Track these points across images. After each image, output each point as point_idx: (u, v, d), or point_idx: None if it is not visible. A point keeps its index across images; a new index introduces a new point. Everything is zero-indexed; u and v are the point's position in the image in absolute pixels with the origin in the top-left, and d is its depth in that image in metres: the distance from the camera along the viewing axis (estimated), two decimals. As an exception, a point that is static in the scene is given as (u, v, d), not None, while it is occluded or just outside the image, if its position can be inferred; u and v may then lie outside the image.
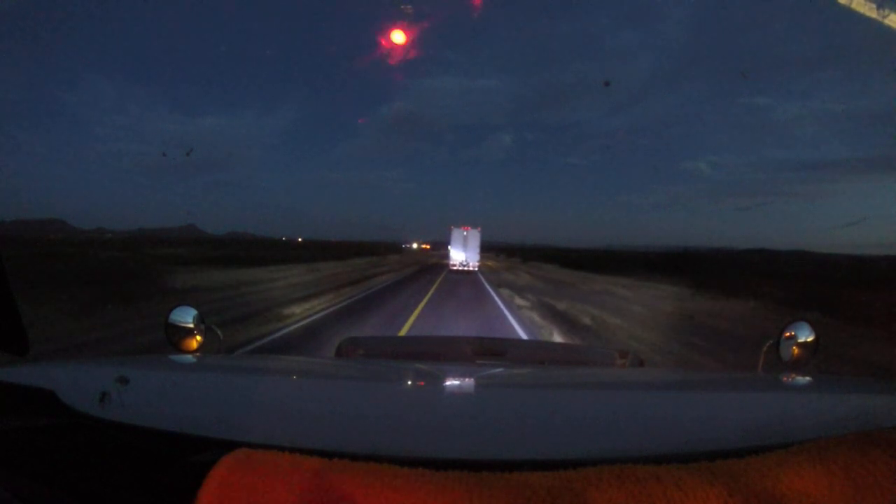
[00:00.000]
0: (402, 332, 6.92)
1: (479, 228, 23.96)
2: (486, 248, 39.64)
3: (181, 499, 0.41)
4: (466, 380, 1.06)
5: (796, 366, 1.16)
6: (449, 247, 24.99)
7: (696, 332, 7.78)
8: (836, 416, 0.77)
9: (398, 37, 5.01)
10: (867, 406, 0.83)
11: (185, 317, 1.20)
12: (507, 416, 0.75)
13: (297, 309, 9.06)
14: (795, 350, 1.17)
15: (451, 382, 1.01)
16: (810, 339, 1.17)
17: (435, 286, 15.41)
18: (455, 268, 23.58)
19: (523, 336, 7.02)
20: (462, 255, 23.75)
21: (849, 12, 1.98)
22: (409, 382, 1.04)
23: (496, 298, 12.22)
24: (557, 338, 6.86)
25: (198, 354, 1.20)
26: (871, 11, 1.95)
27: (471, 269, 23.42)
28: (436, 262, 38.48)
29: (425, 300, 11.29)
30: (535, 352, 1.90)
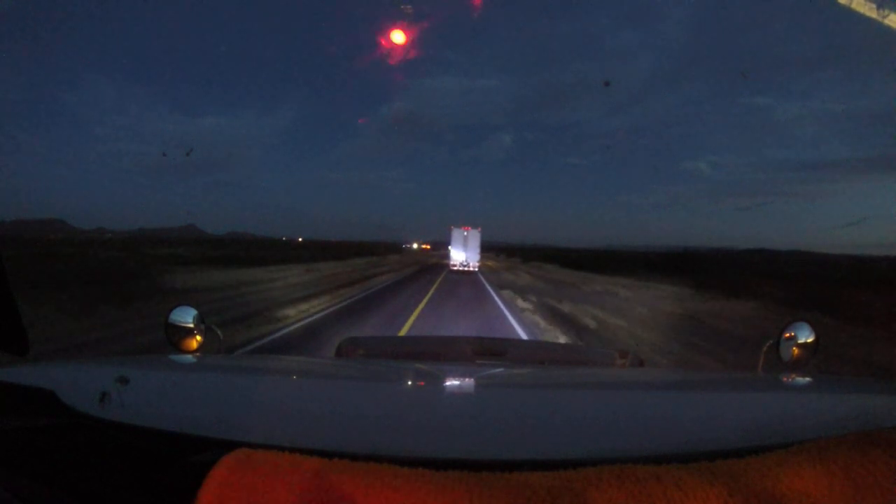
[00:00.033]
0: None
1: (480, 228, 24.00)
2: (486, 248, 39.60)
3: (181, 499, 0.41)
4: (466, 380, 1.06)
5: (796, 366, 1.16)
6: (449, 247, 25.00)
7: (698, 332, 7.71)
8: (836, 416, 0.77)
9: (398, 37, 5.02)
10: (867, 406, 0.83)
11: (185, 317, 1.20)
12: (507, 416, 0.75)
13: (291, 311, 8.92)
14: (795, 350, 1.17)
15: (451, 382, 1.01)
16: (810, 339, 1.18)
17: (434, 287, 15.21)
18: (455, 268, 23.61)
19: None
20: (462, 256, 23.76)
21: (849, 12, 1.98)
22: (409, 382, 1.04)
23: (497, 300, 11.88)
24: (562, 341, 6.83)
25: (198, 354, 1.20)
26: (871, 11, 1.95)
27: (471, 269, 23.42)
28: (436, 262, 38.33)
29: (424, 302, 11.03)
30: (535, 352, 1.90)
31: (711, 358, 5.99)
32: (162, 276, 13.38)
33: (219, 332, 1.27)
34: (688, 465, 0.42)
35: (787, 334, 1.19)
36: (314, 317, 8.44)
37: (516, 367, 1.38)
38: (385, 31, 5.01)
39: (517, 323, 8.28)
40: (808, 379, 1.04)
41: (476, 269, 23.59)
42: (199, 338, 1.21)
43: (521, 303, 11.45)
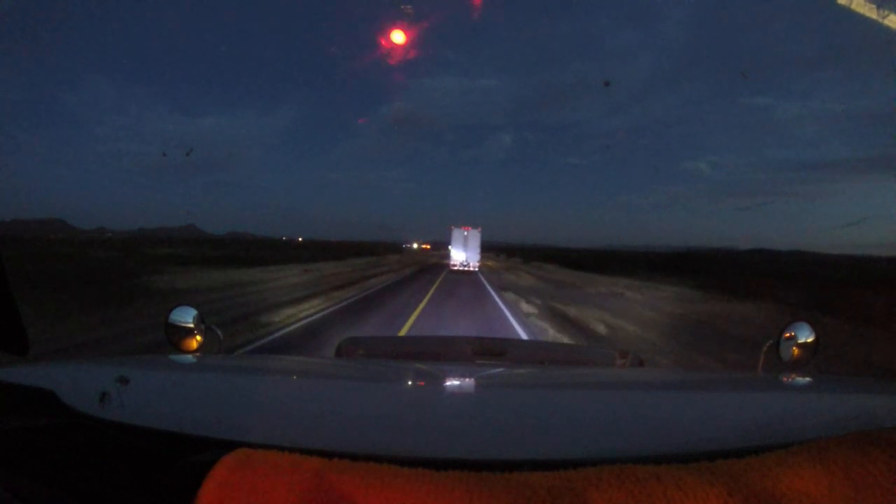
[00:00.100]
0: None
1: (480, 229, 24.02)
2: (486, 248, 39.55)
3: (181, 499, 0.41)
4: (466, 380, 1.06)
5: (796, 366, 1.17)
6: (449, 247, 25.02)
7: (715, 338, 7.24)
8: (836, 416, 0.77)
9: (398, 37, 5.02)
10: (867, 406, 0.83)
11: (185, 317, 1.20)
12: (507, 416, 0.75)
13: (280, 315, 8.39)
14: (795, 350, 1.17)
15: (451, 382, 1.01)
16: (810, 339, 1.18)
17: (433, 288, 14.85)
18: (455, 268, 23.64)
19: None
20: (462, 255, 23.79)
21: (849, 12, 1.98)
22: (409, 382, 1.04)
23: (501, 304, 11.21)
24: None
25: (198, 354, 1.20)
26: (871, 12, 1.95)
27: (471, 269, 23.45)
28: (436, 262, 38.06)
29: (422, 305, 10.43)
30: (535, 352, 1.90)
31: (739, 370, 5.68)
32: (152, 276, 13.09)
33: (219, 332, 1.27)
34: (688, 465, 0.42)
35: (787, 334, 1.19)
36: (302, 322, 7.90)
37: (516, 367, 1.38)
38: (385, 31, 5.02)
39: (524, 331, 7.69)
40: (808, 379, 1.04)
41: (476, 269, 23.61)
42: (199, 338, 1.21)
43: (525, 306, 10.92)
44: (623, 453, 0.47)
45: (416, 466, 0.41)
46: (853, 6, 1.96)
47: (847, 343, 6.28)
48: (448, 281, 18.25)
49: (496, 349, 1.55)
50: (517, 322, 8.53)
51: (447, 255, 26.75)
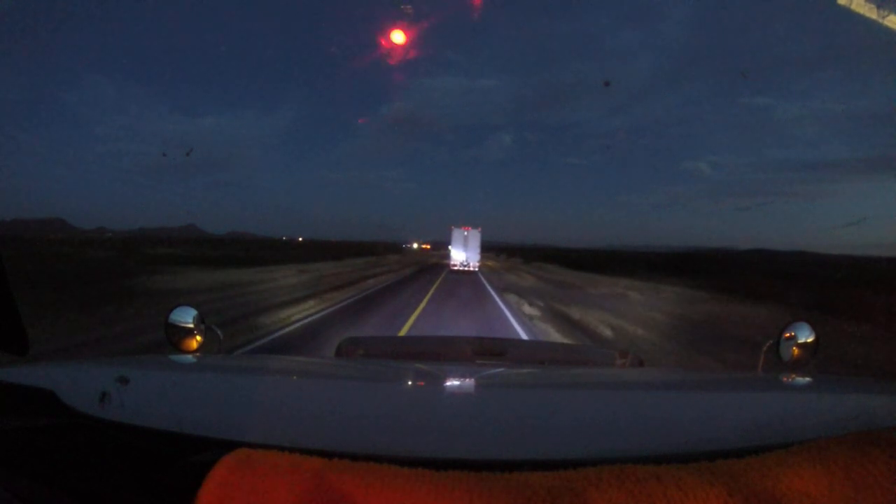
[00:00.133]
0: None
1: (480, 229, 24.05)
2: (486, 248, 39.50)
3: (181, 499, 0.41)
4: (466, 380, 1.06)
5: (796, 366, 1.17)
6: (449, 247, 25.03)
7: (733, 343, 6.82)
8: (836, 416, 0.77)
9: (398, 37, 5.02)
10: (867, 406, 0.83)
11: (185, 317, 1.20)
12: (508, 416, 0.75)
13: (267, 319, 7.98)
14: (795, 350, 1.17)
15: (451, 382, 1.01)
16: (810, 339, 1.18)
17: (433, 289, 14.53)
18: (455, 267, 23.69)
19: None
20: (462, 255, 23.82)
21: (849, 13, 1.98)
22: (409, 382, 1.04)
23: (503, 307, 10.81)
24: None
25: (198, 354, 1.20)
26: (871, 12, 1.95)
27: (471, 268, 23.49)
28: (436, 262, 37.86)
29: (419, 309, 9.95)
30: (535, 352, 1.90)
31: (738, 370, 5.46)
32: (142, 277, 12.78)
33: (219, 332, 1.27)
34: (688, 465, 0.42)
35: (787, 334, 1.19)
36: (290, 327, 7.45)
37: (516, 367, 1.38)
38: (385, 31, 5.01)
39: (527, 334, 7.45)
40: (808, 379, 1.04)
41: (476, 269, 23.62)
42: (199, 338, 1.21)
43: (527, 308, 10.57)
44: (623, 453, 0.47)
45: (416, 466, 0.41)
46: (853, 6, 1.97)
47: (848, 343, 6.25)
48: (448, 281, 18.11)
49: (496, 349, 1.55)
50: (520, 325, 8.27)
51: (447, 255, 26.74)
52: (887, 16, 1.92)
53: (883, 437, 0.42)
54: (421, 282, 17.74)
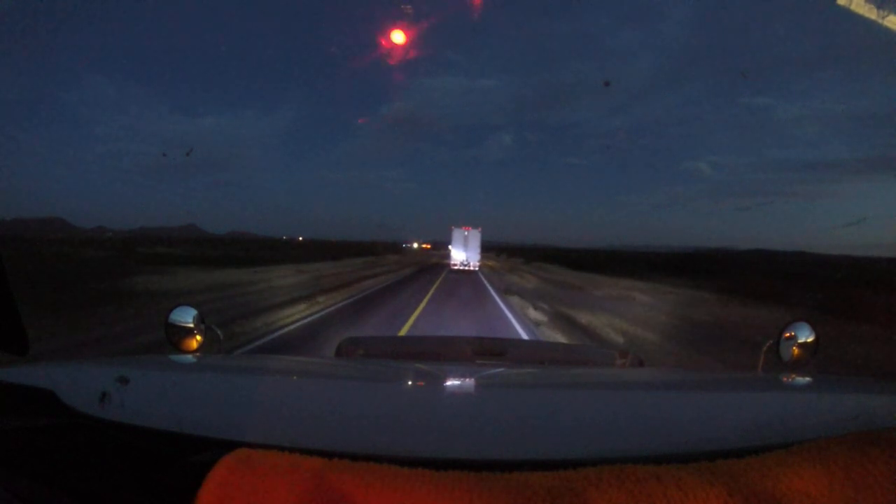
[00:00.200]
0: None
1: (480, 228, 24.08)
2: (487, 248, 39.44)
3: (181, 499, 0.41)
4: (466, 380, 1.06)
5: (796, 366, 1.17)
6: (450, 247, 25.05)
7: (752, 349, 6.67)
8: (836, 416, 0.77)
9: (398, 37, 5.01)
10: (867, 406, 0.83)
11: (185, 317, 1.20)
12: (507, 416, 0.75)
13: (257, 323, 7.69)
14: (795, 350, 1.17)
15: (451, 382, 1.01)
16: (810, 339, 1.18)
17: (432, 290, 14.21)
18: (456, 267, 23.75)
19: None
20: (463, 255, 23.85)
21: (849, 13, 1.98)
22: (409, 382, 1.04)
23: (506, 311, 10.20)
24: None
25: (198, 354, 1.20)
26: (870, 12, 1.95)
27: (471, 268, 23.55)
28: (436, 262, 37.61)
29: (417, 312, 9.48)
30: (535, 352, 1.90)
31: (738, 370, 5.21)
32: (141, 276, 12.65)
33: (219, 332, 1.27)
34: (688, 465, 0.42)
35: (787, 334, 1.19)
36: (275, 333, 7.05)
37: (516, 367, 1.38)
38: (385, 31, 5.01)
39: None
40: (808, 379, 1.04)
41: (476, 269, 23.64)
42: (199, 338, 1.21)
43: (532, 313, 9.99)
44: (623, 453, 0.47)
45: (416, 466, 0.41)
46: (853, 6, 1.96)
47: (848, 343, 6.24)
48: (448, 281, 18.00)
49: (496, 349, 1.55)
50: (526, 334, 7.69)
51: (447, 255, 26.76)
52: (887, 16, 1.92)
53: (883, 437, 0.42)
54: (420, 283, 17.50)
